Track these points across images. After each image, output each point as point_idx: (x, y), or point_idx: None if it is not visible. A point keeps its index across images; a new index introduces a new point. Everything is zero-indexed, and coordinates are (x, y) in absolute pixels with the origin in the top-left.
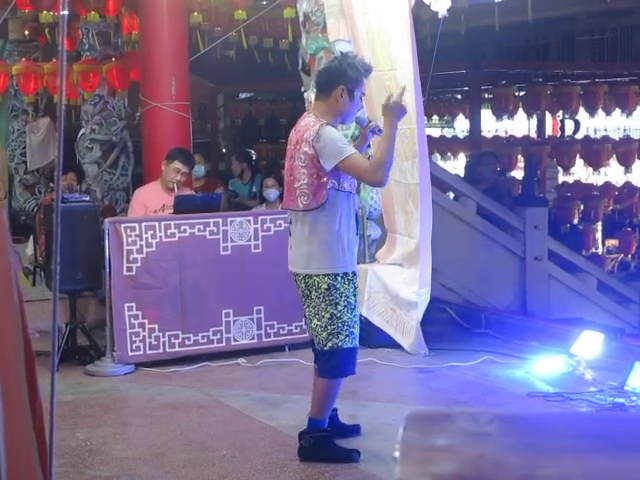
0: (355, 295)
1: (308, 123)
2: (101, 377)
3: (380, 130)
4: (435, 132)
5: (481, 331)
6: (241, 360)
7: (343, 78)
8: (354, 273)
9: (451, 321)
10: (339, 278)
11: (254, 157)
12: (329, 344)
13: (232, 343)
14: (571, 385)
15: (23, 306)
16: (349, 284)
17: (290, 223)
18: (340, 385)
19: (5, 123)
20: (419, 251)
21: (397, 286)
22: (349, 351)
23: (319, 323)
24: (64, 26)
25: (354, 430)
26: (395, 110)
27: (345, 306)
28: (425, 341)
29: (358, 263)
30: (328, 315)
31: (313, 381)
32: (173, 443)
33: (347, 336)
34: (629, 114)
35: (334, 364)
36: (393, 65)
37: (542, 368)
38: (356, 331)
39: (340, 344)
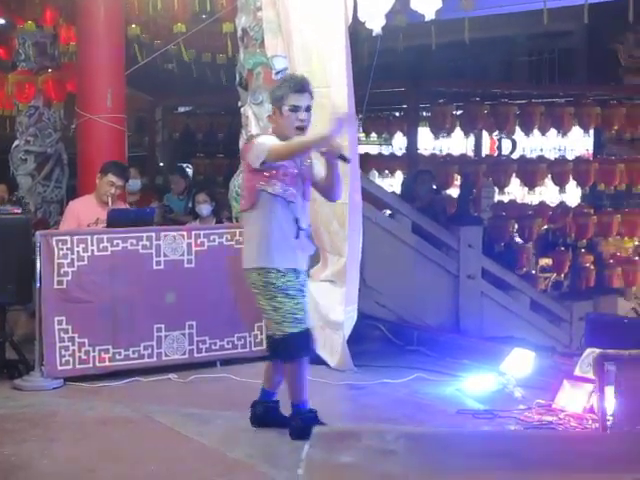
0: (298, 288)
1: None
2: (29, 392)
3: (348, 159)
4: (373, 149)
5: (413, 348)
6: (172, 375)
7: (273, 99)
8: (294, 270)
9: (383, 338)
10: (272, 275)
11: (190, 172)
12: (277, 333)
13: (163, 358)
14: (500, 403)
15: None
16: (284, 278)
17: None
18: (302, 368)
19: None
20: (345, 269)
21: (329, 305)
22: (296, 335)
23: (266, 316)
24: None
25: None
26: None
27: (285, 296)
28: (357, 358)
29: None
30: (270, 308)
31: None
32: (101, 459)
33: (291, 322)
34: (564, 134)
35: (285, 349)
36: (328, 82)
37: (472, 386)
38: (300, 315)
39: (287, 330)
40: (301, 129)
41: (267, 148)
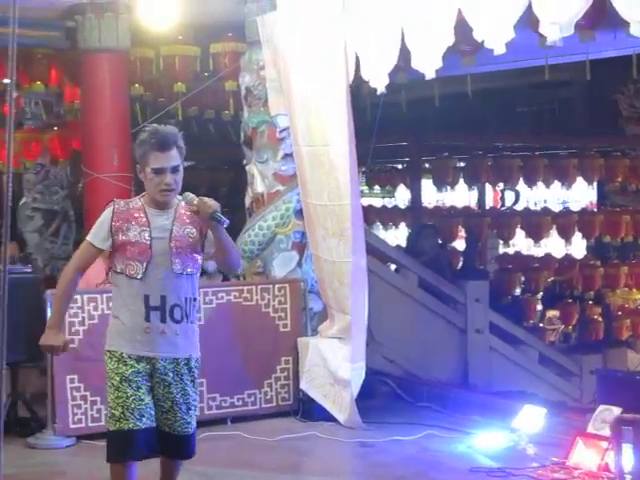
0: (130, 378)
1: None
2: (42, 450)
3: (222, 220)
4: (377, 202)
5: (423, 404)
6: None
7: (136, 156)
8: (129, 356)
9: (393, 394)
10: (106, 357)
11: None
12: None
13: None
14: (513, 460)
15: None
16: (116, 364)
17: None
18: (117, 474)
19: None
20: (351, 326)
21: (337, 362)
22: (112, 435)
23: None
24: (12, 94)
25: None
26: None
27: (110, 386)
28: (367, 414)
29: (300, 336)
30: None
31: None
32: None
33: (110, 417)
34: (568, 187)
35: (106, 447)
36: (326, 141)
37: (484, 443)
38: (118, 412)
39: (107, 425)
40: (168, 192)
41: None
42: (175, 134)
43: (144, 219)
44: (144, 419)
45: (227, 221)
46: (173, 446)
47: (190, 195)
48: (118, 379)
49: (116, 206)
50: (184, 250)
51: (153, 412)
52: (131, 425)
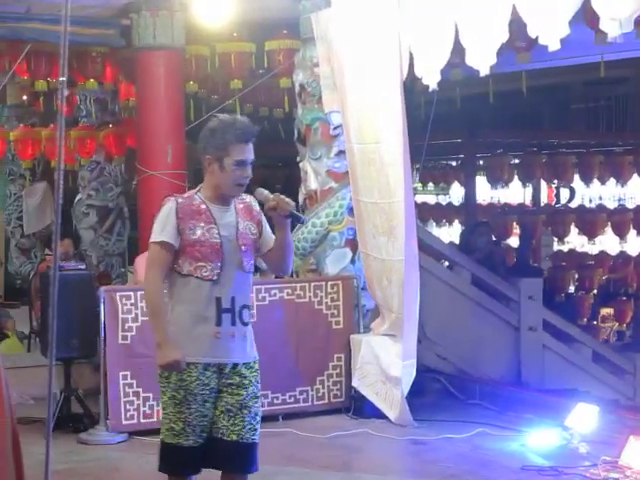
0: (186, 390)
1: None
2: (94, 445)
3: (301, 217)
4: (430, 199)
5: (475, 402)
6: None
7: (207, 147)
8: (195, 366)
9: (445, 391)
10: None
11: None
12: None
13: None
14: (565, 459)
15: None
16: (180, 374)
17: None
18: None
19: (2, 187)
20: (402, 324)
21: (389, 359)
22: (167, 447)
23: None
24: (63, 92)
25: None
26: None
27: (171, 397)
28: (419, 412)
29: (352, 333)
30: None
31: None
32: None
33: (167, 430)
34: (624, 184)
35: (159, 456)
36: (378, 138)
37: (537, 441)
38: (178, 428)
39: (162, 436)
40: (242, 186)
41: (147, 269)
42: (253, 126)
43: (209, 216)
44: (204, 434)
45: (305, 218)
46: (239, 457)
47: (265, 191)
48: (183, 393)
49: (179, 200)
50: (248, 247)
51: (212, 424)
52: (191, 442)
